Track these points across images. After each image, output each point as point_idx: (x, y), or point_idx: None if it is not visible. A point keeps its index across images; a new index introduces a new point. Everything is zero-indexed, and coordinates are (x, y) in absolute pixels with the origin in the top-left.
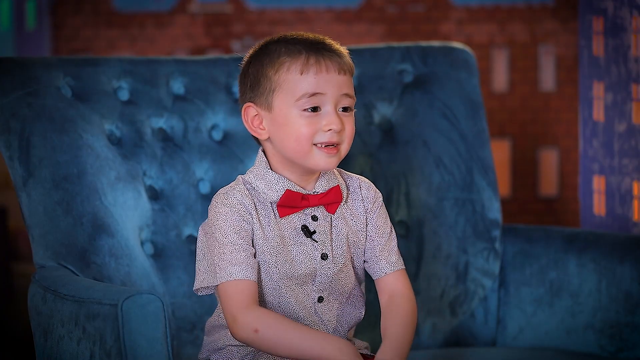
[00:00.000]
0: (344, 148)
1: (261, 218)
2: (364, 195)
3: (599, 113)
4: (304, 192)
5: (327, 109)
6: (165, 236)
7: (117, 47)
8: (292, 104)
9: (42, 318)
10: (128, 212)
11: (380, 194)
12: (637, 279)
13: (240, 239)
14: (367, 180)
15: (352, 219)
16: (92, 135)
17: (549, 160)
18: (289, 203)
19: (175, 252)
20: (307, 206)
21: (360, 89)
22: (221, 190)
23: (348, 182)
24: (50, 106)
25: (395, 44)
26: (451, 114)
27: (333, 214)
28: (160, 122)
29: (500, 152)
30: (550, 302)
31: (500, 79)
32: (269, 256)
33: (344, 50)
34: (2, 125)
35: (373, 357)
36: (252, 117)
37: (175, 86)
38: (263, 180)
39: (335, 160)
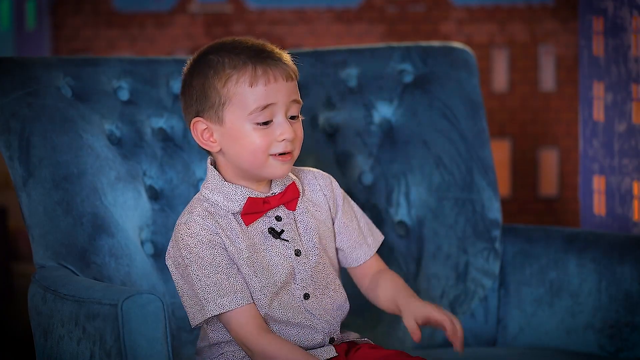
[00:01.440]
0: (296, 153)
1: (228, 233)
2: (321, 185)
3: (599, 113)
4: (263, 196)
5: (279, 119)
6: (165, 236)
7: (117, 47)
8: (244, 117)
9: (42, 318)
10: (128, 212)
11: (333, 179)
12: (637, 279)
13: (218, 267)
14: (317, 170)
15: (317, 210)
16: (92, 135)
17: (549, 160)
18: (253, 210)
19: None
20: (270, 208)
21: (360, 89)
22: (180, 220)
23: (301, 175)
24: (50, 106)
25: (395, 44)
26: (451, 114)
27: (294, 210)
28: (160, 122)
29: (500, 152)
30: (550, 302)
31: (500, 79)
32: (246, 268)
33: (286, 55)
34: (2, 125)
35: (369, 343)
36: (202, 131)
37: (175, 86)
38: (221, 193)
39: (289, 167)
